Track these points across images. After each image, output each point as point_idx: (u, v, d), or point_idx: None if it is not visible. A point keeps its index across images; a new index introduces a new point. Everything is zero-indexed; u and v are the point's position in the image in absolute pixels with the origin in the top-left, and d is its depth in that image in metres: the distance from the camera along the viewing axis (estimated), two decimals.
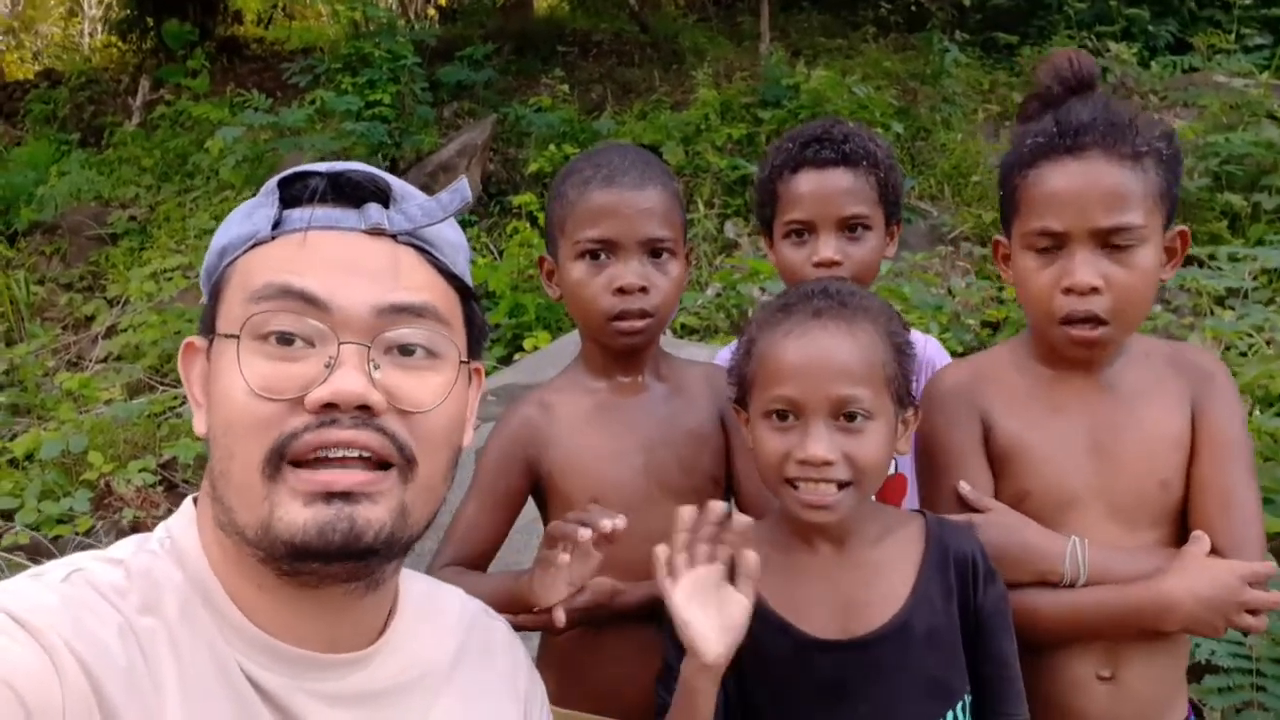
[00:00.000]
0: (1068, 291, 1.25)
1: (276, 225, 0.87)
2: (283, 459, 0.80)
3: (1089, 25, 7.51)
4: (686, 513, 1.11)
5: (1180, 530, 1.32)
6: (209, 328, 0.88)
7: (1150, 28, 7.43)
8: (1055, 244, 1.27)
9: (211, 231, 4.91)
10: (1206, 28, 7.45)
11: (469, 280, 0.97)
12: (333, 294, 0.83)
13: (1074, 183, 1.24)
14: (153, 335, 4.88)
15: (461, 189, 0.91)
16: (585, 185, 1.37)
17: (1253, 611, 1.24)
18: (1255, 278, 3.76)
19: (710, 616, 1.08)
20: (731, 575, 1.12)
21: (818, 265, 1.54)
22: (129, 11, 9.77)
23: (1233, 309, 3.63)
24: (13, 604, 0.74)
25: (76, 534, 3.47)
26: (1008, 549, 1.28)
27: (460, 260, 0.95)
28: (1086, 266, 1.24)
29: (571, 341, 4.14)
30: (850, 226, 1.56)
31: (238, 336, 0.82)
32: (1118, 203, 1.22)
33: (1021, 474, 1.33)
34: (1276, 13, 7.26)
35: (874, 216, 1.57)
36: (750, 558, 1.10)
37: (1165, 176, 1.25)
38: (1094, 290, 1.24)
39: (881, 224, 1.59)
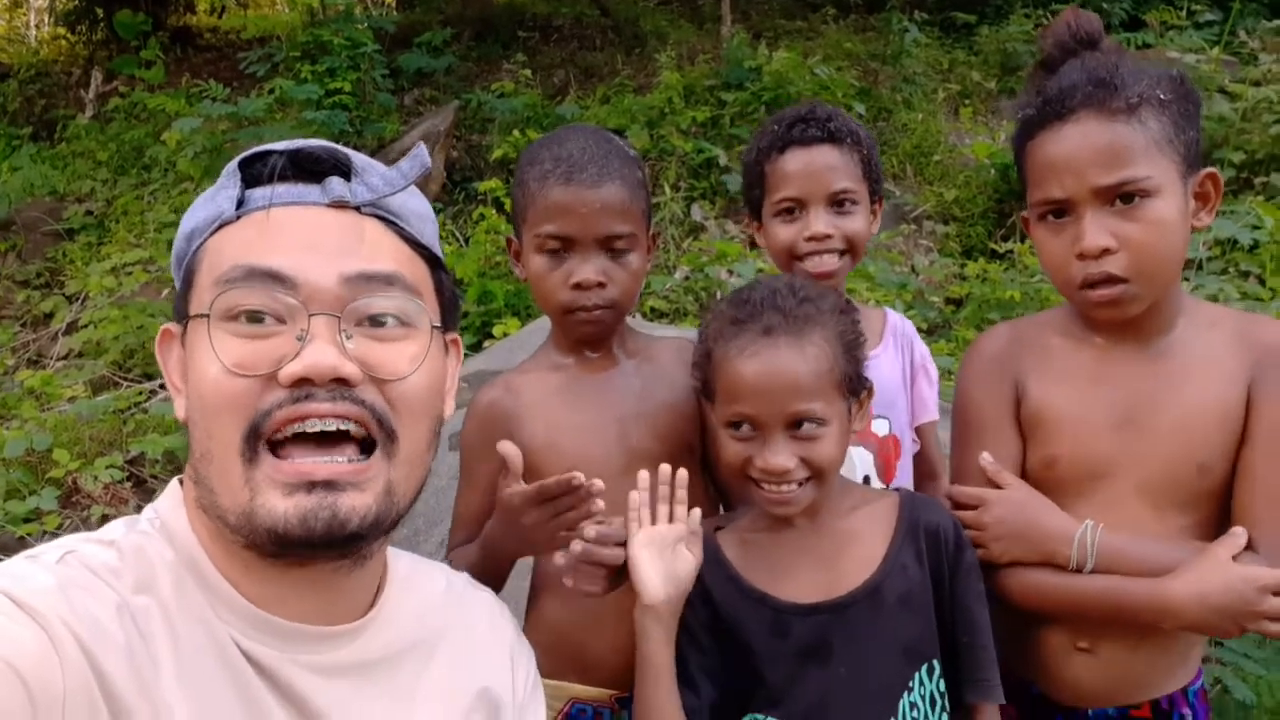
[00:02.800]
0: (1082, 257, 1.21)
1: (240, 205, 0.88)
2: (259, 438, 0.81)
3: (1044, 4, 7.60)
4: (644, 479, 1.26)
5: (1221, 516, 1.25)
6: (182, 314, 0.89)
7: (1105, 5, 7.53)
8: (1063, 211, 1.24)
9: (172, 225, 4.83)
10: (1159, 4, 7.56)
11: (437, 249, 0.97)
12: (299, 270, 0.83)
13: (1067, 147, 1.21)
14: (115, 331, 4.79)
15: (420, 155, 0.92)
16: (544, 179, 1.38)
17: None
18: (1209, 248, 3.85)
19: (659, 565, 1.23)
20: None
21: (809, 240, 1.58)
22: (77, 2, 9.54)
23: (1188, 279, 3.71)
24: (12, 586, 0.74)
25: (45, 532, 3.43)
26: (1015, 526, 1.27)
27: (427, 229, 0.96)
28: (1095, 228, 1.20)
29: (540, 328, 4.14)
30: (839, 201, 1.59)
31: (208, 316, 0.83)
32: (1115, 158, 1.18)
33: (1049, 439, 1.31)
34: None
35: (860, 191, 1.61)
36: (695, 514, 1.27)
37: (1171, 122, 1.20)
38: (1106, 251, 1.20)
39: (867, 199, 1.63)
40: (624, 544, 1.26)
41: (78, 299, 5.44)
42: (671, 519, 1.28)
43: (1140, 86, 1.20)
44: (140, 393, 4.47)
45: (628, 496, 1.37)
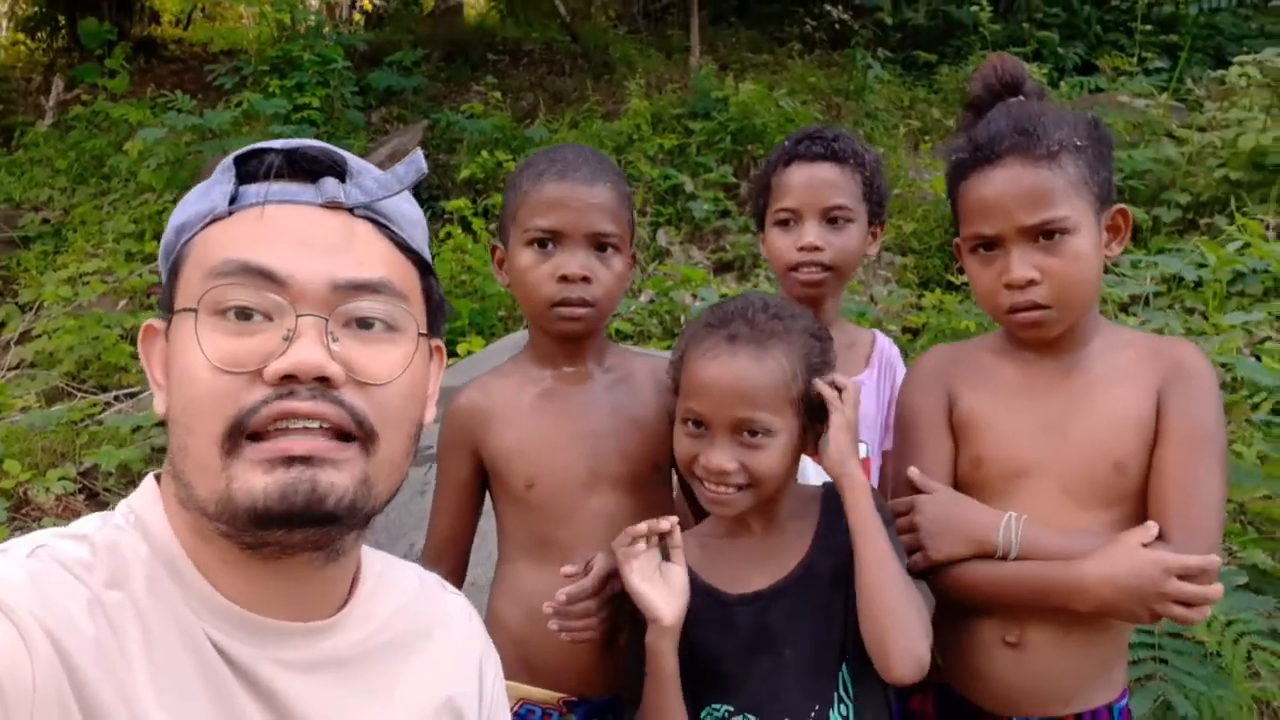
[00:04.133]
0: (1009, 286, 1.34)
1: (233, 201, 0.87)
2: (242, 434, 0.80)
3: (1002, 46, 7.82)
4: (636, 530, 1.31)
5: (1141, 515, 1.34)
6: (167, 307, 0.88)
7: (1060, 50, 7.80)
8: (992, 245, 1.36)
9: (131, 236, 4.74)
10: (1111, 51, 7.84)
11: (427, 255, 0.97)
12: (291, 270, 0.83)
13: (996, 189, 1.34)
14: (69, 341, 4.71)
15: (416, 160, 0.92)
16: (539, 177, 1.43)
17: (1190, 604, 1.22)
18: (1156, 284, 3.99)
19: (659, 588, 1.28)
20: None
21: (801, 250, 1.65)
22: (38, 9, 9.43)
23: (1135, 315, 3.84)
24: None
25: None
26: (946, 522, 1.35)
27: (417, 235, 0.96)
28: (1021, 262, 1.33)
29: (504, 348, 4.16)
30: (833, 218, 1.66)
31: (195, 310, 0.82)
32: (1038, 201, 1.31)
33: (976, 442, 1.41)
34: (1173, 39, 7.69)
35: (856, 210, 1.68)
36: (676, 535, 1.32)
37: (1086, 166, 1.33)
38: (1031, 282, 1.33)
39: (864, 220, 1.70)
40: (592, 597, 1.33)
41: (31, 308, 5.34)
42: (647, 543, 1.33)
43: (1060, 134, 1.33)
44: (94, 404, 4.40)
45: (589, 514, 1.43)
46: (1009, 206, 1.32)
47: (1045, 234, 1.32)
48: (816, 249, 1.64)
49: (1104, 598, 1.26)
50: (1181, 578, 1.22)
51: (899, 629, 1.24)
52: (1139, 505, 1.35)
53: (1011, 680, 1.38)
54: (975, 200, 1.36)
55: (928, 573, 1.38)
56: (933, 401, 1.45)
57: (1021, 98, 1.43)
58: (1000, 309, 1.38)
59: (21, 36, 9.90)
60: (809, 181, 1.67)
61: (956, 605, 1.40)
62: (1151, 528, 1.28)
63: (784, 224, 1.69)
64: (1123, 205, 1.40)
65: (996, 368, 1.45)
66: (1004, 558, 1.33)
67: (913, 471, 1.40)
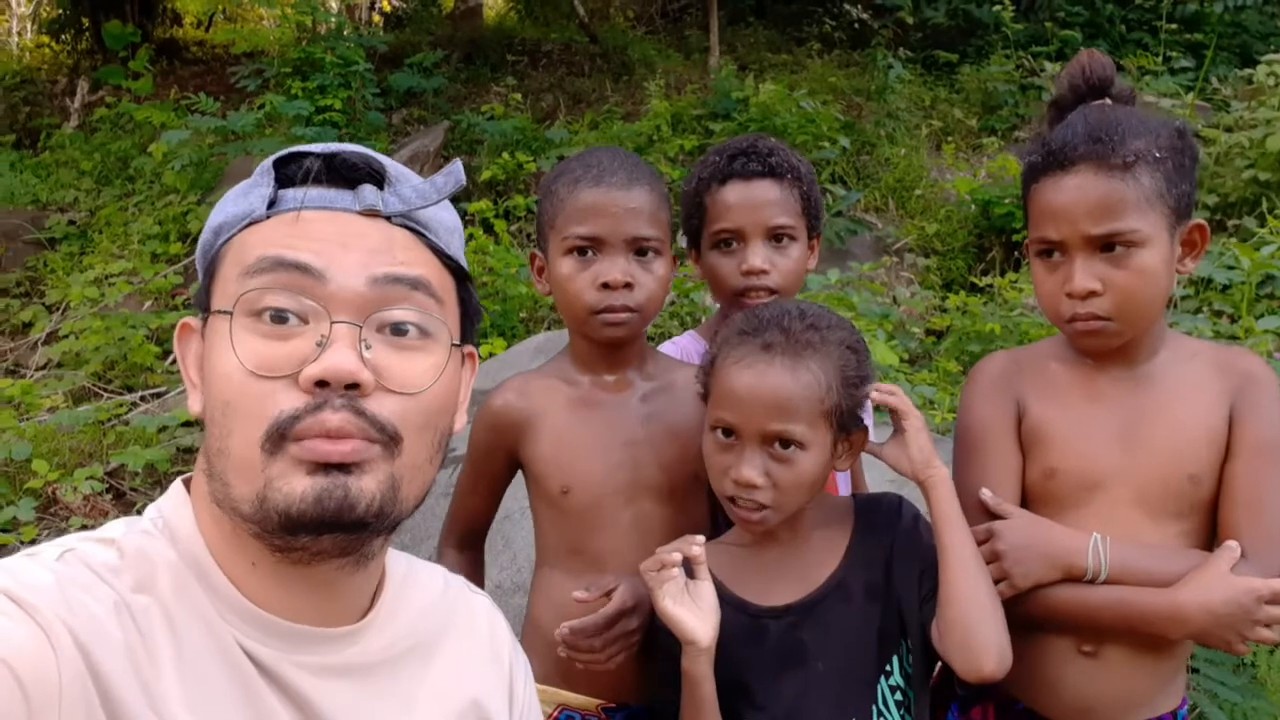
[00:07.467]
0: (1070, 295, 1.32)
1: (271, 205, 0.87)
2: (284, 439, 0.81)
3: (1025, 46, 7.79)
4: (669, 558, 1.28)
5: (1210, 526, 1.34)
6: (204, 307, 0.89)
7: (1083, 49, 7.72)
8: (1057, 252, 1.34)
9: (156, 237, 4.77)
10: (1135, 50, 7.78)
11: (463, 263, 0.97)
12: (327, 265, 0.83)
13: (1065, 196, 1.31)
14: (96, 341, 4.76)
15: (455, 172, 0.92)
16: (575, 184, 1.42)
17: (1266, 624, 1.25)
18: (1184, 287, 3.95)
19: (691, 610, 1.25)
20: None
21: (746, 274, 1.58)
22: (63, 11, 9.52)
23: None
24: (8, 582, 0.74)
25: (21, 543, 3.38)
26: (1032, 547, 1.32)
27: (454, 242, 0.96)
28: (1084, 272, 1.30)
29: (526, 350, 4.16)
30: (777, 236, 1.60)
31: (231, 313, 0.83)
32: (1107, 211, 1.28)
33: (1049, 453, 1.38)
34: (1199, 38, 7.62)
35: (798, 227, 1.62)
36: (701, 553, 1.28)
37: (1164, 178, 1.30)
38: (1092, 294, 1.30)
39: (804, 236, 1.64)
40: (597, 634, 1.32)
41: (58, 309, 5.40)
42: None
43: (1138, 144, 1.29)
44: (121, 404, 4.44)
45: (626, 524, 1.43)
46: (1076, 214, 1.29)
47: (1111, 245, 1.29)
48: (763, 272, 1.57)
49: (1200, 626, 1.26)
50: (1270, 602, 1.23)
51: (988, 622, 1.23)
52: (1207, 517, 1.34)
53: (1085, 690, 1.36)
54: (1044, 205, 1.34)
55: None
56: (1001, 412, 1.42)
57: (1107, 101, 1.39)
58: (1060, 317, 1.36)
59: (46, 39, 9.99)
60: (749, 201, 1.58)
61: (1028, 616, 1.36)
62: (1234, 549, 1.28)
63: (724, 245, 1.61)
64: (1201, 221, 1.36)
65: (1064, 376, 1.42)
66: (1092, 580, 1.31)
67: (985, 494, 1.36)
